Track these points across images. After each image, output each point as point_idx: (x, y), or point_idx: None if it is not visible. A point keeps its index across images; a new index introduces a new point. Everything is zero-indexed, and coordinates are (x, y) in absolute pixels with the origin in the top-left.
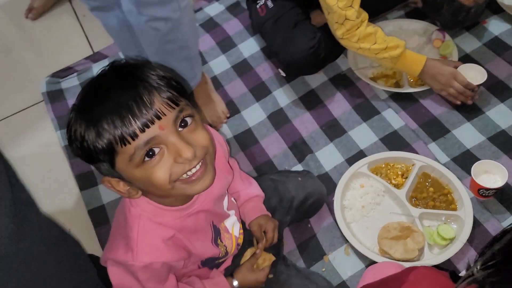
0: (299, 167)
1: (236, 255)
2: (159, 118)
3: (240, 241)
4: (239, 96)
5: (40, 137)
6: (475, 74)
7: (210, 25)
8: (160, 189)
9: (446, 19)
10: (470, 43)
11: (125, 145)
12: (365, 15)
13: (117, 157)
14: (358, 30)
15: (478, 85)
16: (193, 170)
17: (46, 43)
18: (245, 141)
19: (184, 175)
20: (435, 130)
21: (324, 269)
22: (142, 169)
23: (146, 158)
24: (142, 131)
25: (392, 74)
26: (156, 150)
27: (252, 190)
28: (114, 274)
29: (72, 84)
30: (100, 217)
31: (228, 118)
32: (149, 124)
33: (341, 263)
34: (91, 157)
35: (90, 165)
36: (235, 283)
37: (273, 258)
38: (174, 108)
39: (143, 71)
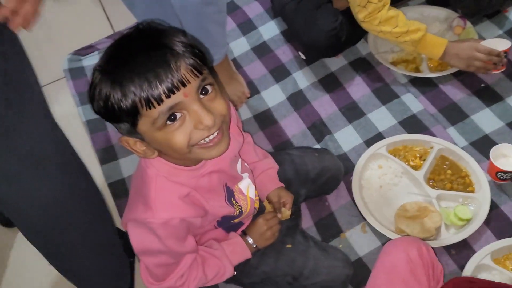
0: (317, 147)
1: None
2: (184, 85)
3: (257, 205)
4: (259, 77)
5: (61, 113)
6: (498, 45)
7: (231, 8)
8: (178, 152)
9: (468, 6)
10: (491, 31)
11: (150, 108)
12: None
13: (140, 119)
14: (379, 13)
15: (504, 52)
16: (211, 137)
17: (67, 22)
18: (265, 121)
19: (202, 141)
20: (454, 115)
21: (341, 246)
22: (163, 132)
23: (168, 122)
24: (168, 96)
25: (412, 59)
26: (178, 115)
27: (268, 162)
28: (135, 234)
29: (93, 62)
30: (120, 190)
31: (248, 98)
32: (175, 90)
33: (358, 241)
34: (113, 117)
35: (111, 140)
36: (250, 240)
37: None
38: (198, 77)
39: (169, 37)
